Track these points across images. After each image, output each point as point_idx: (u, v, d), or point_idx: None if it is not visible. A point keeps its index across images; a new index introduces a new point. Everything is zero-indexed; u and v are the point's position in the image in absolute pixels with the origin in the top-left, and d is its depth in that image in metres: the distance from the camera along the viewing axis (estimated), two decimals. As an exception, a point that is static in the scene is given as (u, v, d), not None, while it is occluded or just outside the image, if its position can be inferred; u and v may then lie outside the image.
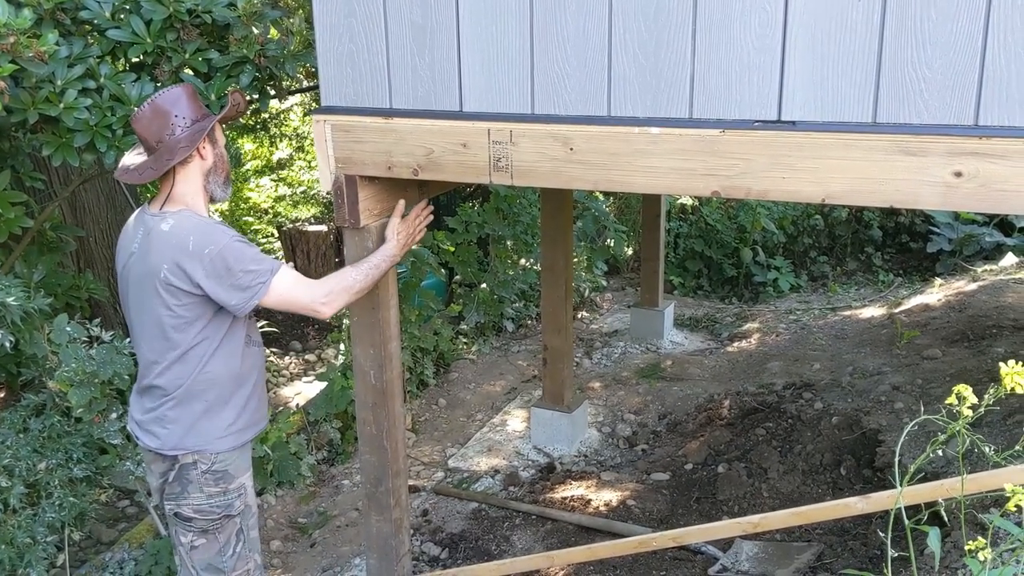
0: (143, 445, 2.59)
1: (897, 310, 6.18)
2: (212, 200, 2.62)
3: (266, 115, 8.71)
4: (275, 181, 10.41)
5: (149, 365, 2.53)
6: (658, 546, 2.89)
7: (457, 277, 7.08)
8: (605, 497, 4.14)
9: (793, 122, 2.30)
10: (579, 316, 7.17)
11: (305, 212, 9.91)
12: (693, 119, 2.38)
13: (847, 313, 6.62)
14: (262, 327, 6.58)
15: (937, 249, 7.77)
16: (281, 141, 9.76)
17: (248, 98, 4.16)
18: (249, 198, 10.19)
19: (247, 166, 10.18)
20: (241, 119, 3.96)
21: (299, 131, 9.70)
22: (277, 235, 9.17)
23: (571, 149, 2.51)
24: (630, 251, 8.49)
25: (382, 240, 2.87)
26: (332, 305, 2.55)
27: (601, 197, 7.74)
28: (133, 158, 2.60)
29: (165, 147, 2.46)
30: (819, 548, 3.42)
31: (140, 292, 2.47)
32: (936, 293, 6.28)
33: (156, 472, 2.61)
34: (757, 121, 2.32)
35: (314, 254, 8.40)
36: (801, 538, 3.53)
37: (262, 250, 2.96)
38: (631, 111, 2.44)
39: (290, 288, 2.49)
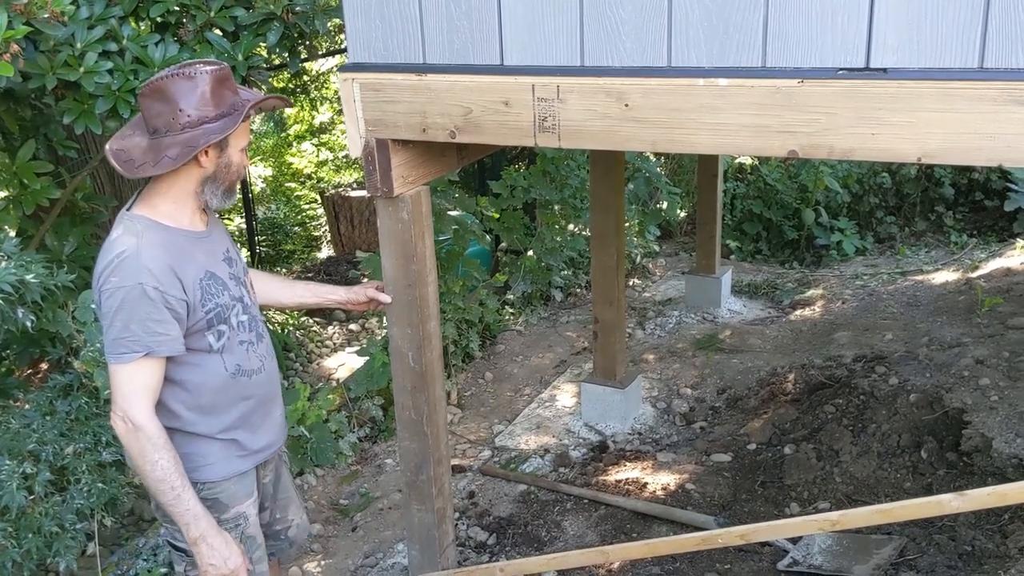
0: None
1: (975, 274, 5.77)
2: (207, 207, 2.25)
3: (306, 78, 8.50)
4: (317, 146, 10.24)
5: None
6: (724, 543, 2.63)
7: (502, 245, 6.82)
8: (662, 480, 3.88)
9: (884, 69, 1.99)
10: (630, 284, 6.88)
11: (348, 177, 9.74)
12: (767, 68, 2.08)
13: (918, 278, 6.21)
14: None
15: (1015, 208, 7.23)
16: (322, 105, 9.56)
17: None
18: (291, 164, 10.04)
19: (288, 131, 10.02)
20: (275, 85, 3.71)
21: (340, 94, 9.48)
22: (320, 201, 9.02)
23: (626, 105, 2.23)
24: (683, 214, 8.13)
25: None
26: (120, 429, 2.09)
27: (652, 157, 7.39)
28: (129, 132, 2.19)
29: (156, 142, 2.09)
30: (901, 542, 3.13)
31: None
32: (1018, 255, 5.85)
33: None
34: (842, 69, 2.02)
35: (357, 220, 8.22)
36: (880, 529, 3.24)
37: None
38: (695, 61, 2.14)
39: (128, 382, 2.08)
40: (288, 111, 9.73)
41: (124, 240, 2.10)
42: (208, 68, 2.11)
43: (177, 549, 2.35)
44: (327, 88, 9.17)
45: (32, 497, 3.05)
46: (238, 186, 2.30)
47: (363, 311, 2.82)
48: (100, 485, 3.17)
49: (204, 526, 2.17)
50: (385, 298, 2.73)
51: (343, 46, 6.52)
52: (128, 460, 2.15)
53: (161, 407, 2.18)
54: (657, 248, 7.55)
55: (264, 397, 2.39)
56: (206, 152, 2.12)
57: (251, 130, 2.39)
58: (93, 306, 3.28)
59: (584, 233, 6.85)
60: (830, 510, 3.40)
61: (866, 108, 2.00)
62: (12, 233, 3.61)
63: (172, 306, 2.10)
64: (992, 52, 1.89)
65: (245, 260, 2.50)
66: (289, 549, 2.76)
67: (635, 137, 2.26)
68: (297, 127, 10.21)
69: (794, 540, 3.27)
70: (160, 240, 2.13)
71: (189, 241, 2.20)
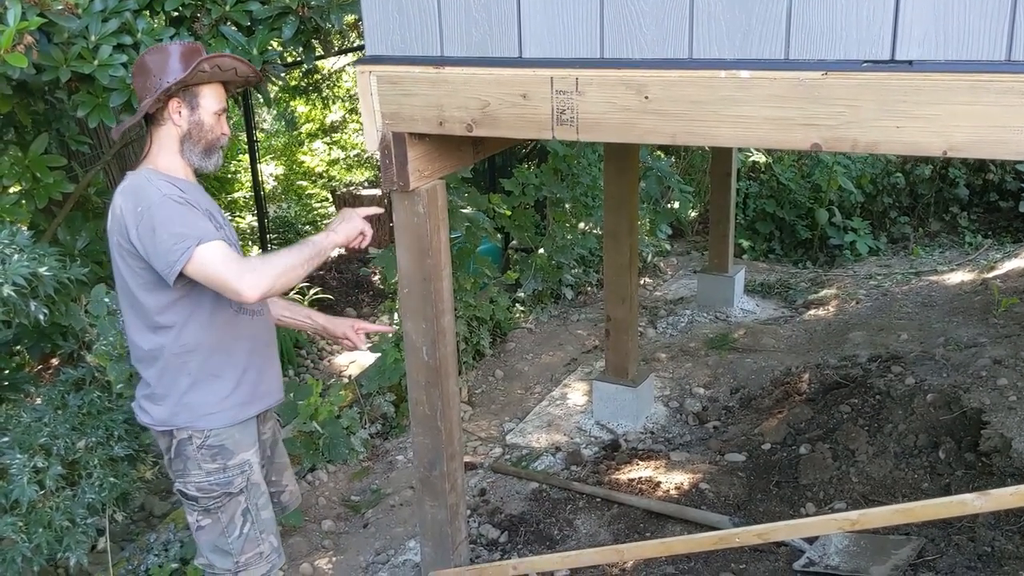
0: (140, 422, 2.53)
1: (990, 275, 5.72)
2: (196, 170, 2.46)
3: (318, 76, 8.49)
4: (328, 144, 10.23)
5: (130, 337, 2.44)
6: (741, 543, 2.61)
7: (513, 242, 6.80)
8: (675, 479, 3.85)
9: (910, 62, 1.95)
10: (642, 282, 6.84)
11: (359, 176, 9.73)
12: (790, 60, 2.05)
13: (933, 278, 6.17)
14: (315, 294, 6.44)
15: (1030, 208, 7.22)
16: (334, 103, 9.54)
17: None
18: (303, 162, 10.03)
19: (300, 129, 10.00)
20: (277, 81, 3.68)
21: (352, 92, 9.47)
22: (331, 199, 9.01)
23: (646, 98, 2.20)
24: (694, 213, 8.09)
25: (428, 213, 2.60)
26: (256, 288, 2.22)
27: (663, 156, 7.35)
28: None
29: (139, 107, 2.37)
30: (920, 542, 3.09)
31: (112, 260, 2.39)
32: (1034, 256, 5.80)
33: (161, 448, 2.53)
34: (866, 61, 1.99)
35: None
36: (897, 529, 3.21)
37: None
38: (717, 52, 2.12)
39: (214, 262, 2.22)
40: (299, 109, 9.71)
41: (132, 182, 2.33)
42: (178, 42, 2.44)
43: (187, 497, 2.47)
44: (339, 86, 9.15)
45: (43, 491, 3.02)
46: (219, 151, 2.49)
47: (338, 339, 2.84)
48: (112, 480, 3.14)
49: (324, 239, 2.41)
50: (360, 341, 2.81)
51: (356, 44, 6.52)
52: (291, 281, 2.33)
53: (179, 335, 2.36)
54: (668, 247, 7.51)
55: (265, 342, 2.56)
56: (179, 111, 2.37)
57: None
58: (106, 300, 3.27)
59: (595, 231, 6.82)
60: (846, 510, 3.36)
61: (891, 101, 1.97)
62: (24, 227, 3.59)
63: (197, 212, 2.31)
64: (1020, 44, 1.86)
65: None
66: (282, 514, 2.88)
67: (655, 130, 2.23)
68: (309, 126, 10.19)
69: (810, 540, 3.24)
70: (166, 179, 2.35)
71: (190, 186, 2.41)
